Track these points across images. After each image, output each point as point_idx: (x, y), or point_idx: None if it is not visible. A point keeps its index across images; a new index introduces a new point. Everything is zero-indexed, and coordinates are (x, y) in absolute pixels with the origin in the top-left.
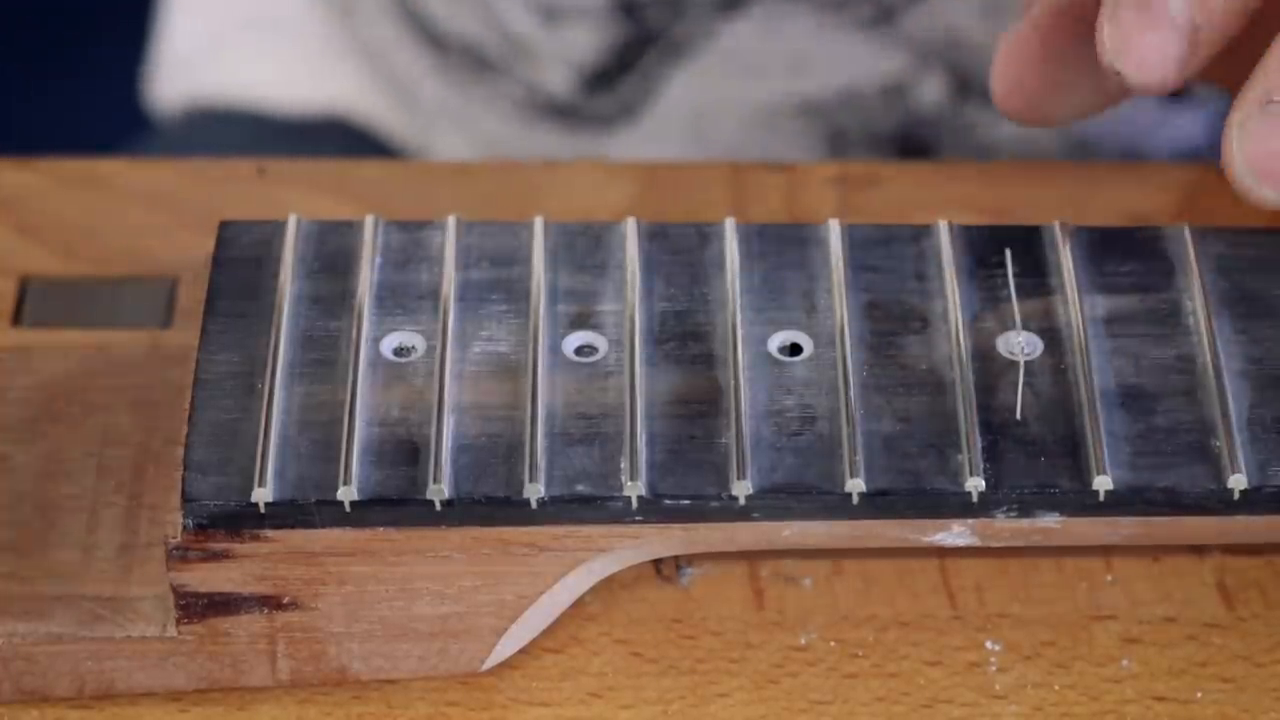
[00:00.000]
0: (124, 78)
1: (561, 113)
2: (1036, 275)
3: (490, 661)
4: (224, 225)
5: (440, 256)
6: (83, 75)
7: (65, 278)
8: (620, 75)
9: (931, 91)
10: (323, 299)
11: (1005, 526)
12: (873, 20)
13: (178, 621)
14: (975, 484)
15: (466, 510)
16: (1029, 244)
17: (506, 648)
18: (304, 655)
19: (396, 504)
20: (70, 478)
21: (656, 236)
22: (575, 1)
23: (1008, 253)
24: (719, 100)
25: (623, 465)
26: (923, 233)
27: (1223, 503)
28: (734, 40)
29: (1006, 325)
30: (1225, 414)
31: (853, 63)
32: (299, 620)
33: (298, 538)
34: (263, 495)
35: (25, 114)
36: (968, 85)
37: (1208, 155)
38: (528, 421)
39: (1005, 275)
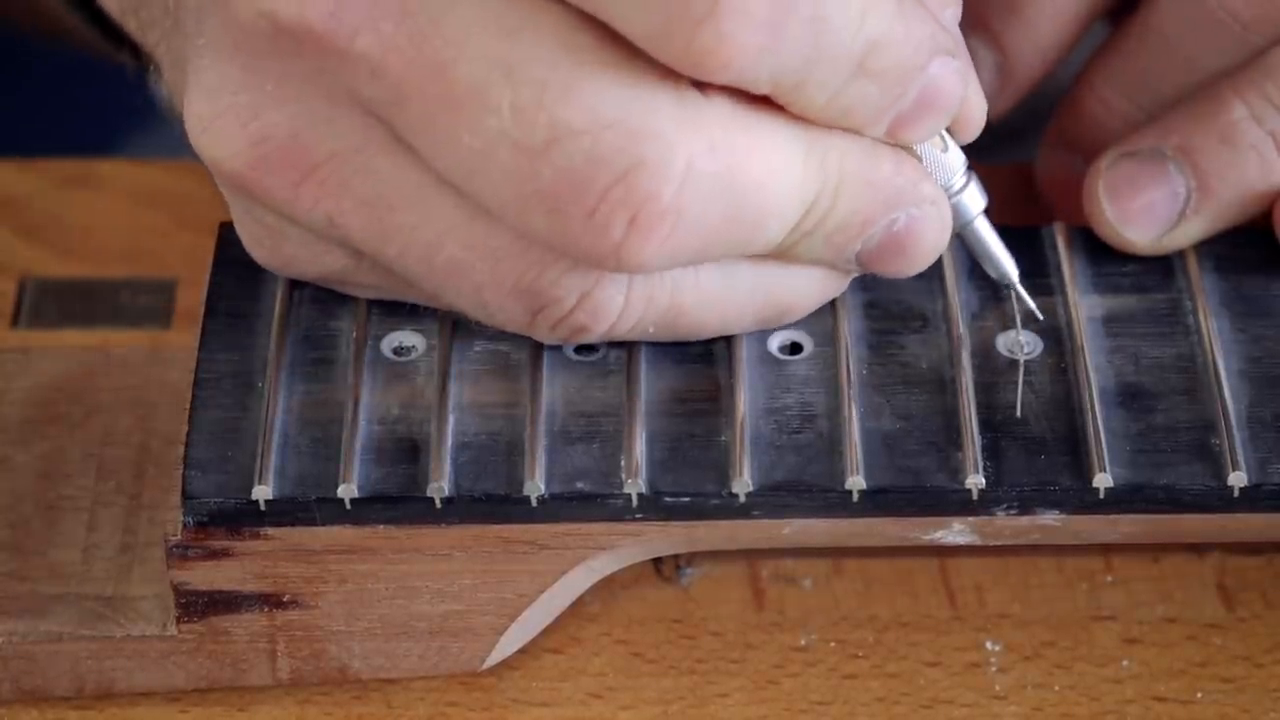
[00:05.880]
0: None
1: None
2: (1036, 275)
3: (490, 661)
4: (224, 225)
5: None
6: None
7: (65, 278)
8: None
9: None
10: (322, 299)
11: (1005, 524)
12: None
13: (178, 620)
14: (976, 481)
15: (467, 508)
16: (1029, 244)
17: (506, 647)
18: (304, 654)
19: (397, 501)
20: (70, 478)
21: None
22: None
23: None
24: None
25: (623, 463)
26: None
27: (1223, 500)
28: None
29: (1006, 324)
30: (1225, 412)
31: None
32: (299, 619)
33: (298, 535)
34: (263, 493)
35: (25, 114)
36: None
37: None
38: (528, 420)
39: None
